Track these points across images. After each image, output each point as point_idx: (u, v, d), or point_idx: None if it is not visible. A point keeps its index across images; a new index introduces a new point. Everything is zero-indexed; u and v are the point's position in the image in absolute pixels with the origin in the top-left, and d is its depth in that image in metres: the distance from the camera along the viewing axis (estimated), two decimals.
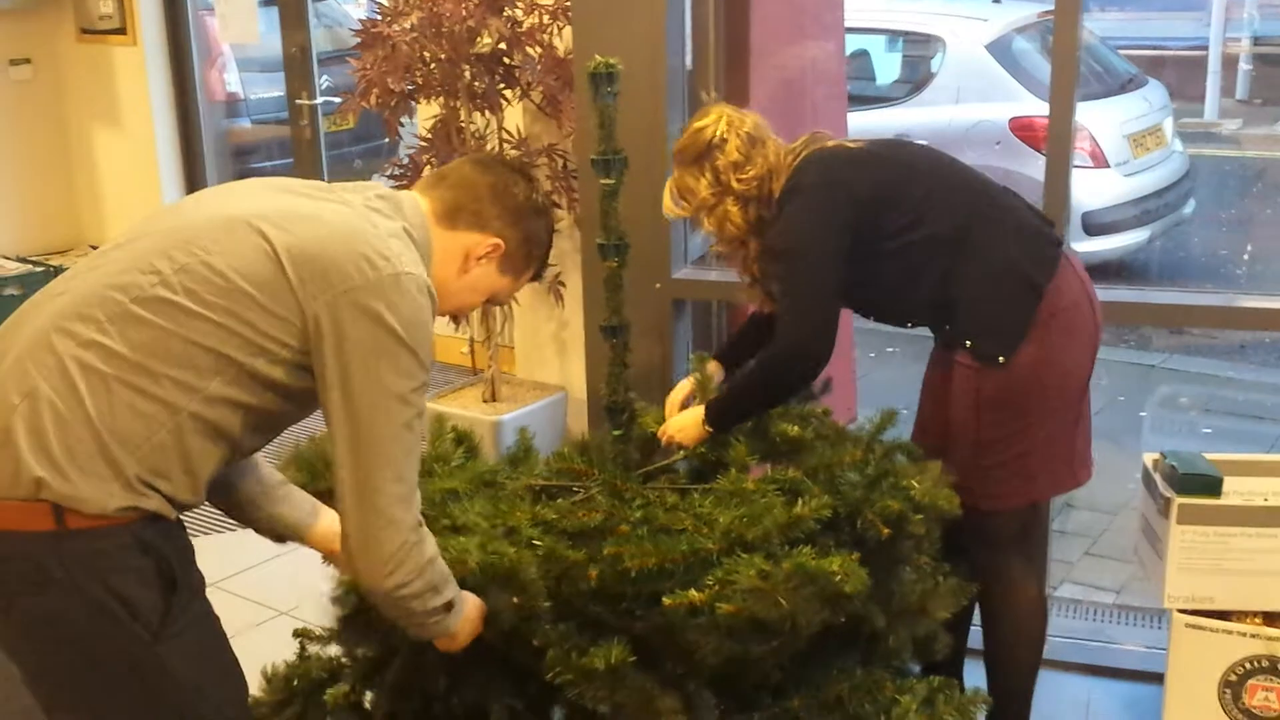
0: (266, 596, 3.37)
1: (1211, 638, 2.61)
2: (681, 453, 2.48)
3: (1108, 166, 6.07)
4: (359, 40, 4.08)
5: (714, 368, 2.67)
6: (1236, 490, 2.59)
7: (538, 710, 2.15)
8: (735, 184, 2.42)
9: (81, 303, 1.66)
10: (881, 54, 6.89)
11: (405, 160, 4.22)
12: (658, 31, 3.05)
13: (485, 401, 4.29)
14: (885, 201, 2.41)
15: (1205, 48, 9.74)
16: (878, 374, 5.18)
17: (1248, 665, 2.60)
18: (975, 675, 2.62)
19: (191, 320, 1.64)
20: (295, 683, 2.33)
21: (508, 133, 4.16)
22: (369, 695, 2.27)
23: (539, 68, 3.99)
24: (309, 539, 2.05)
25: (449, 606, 1.85)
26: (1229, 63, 9.87)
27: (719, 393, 2.53)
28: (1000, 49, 6.37)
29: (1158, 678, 2.76)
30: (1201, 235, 7.01)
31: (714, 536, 2.02)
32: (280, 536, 2.06)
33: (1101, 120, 6.09)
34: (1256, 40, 10.15)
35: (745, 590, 1.89)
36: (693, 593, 1.92)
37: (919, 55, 6.69)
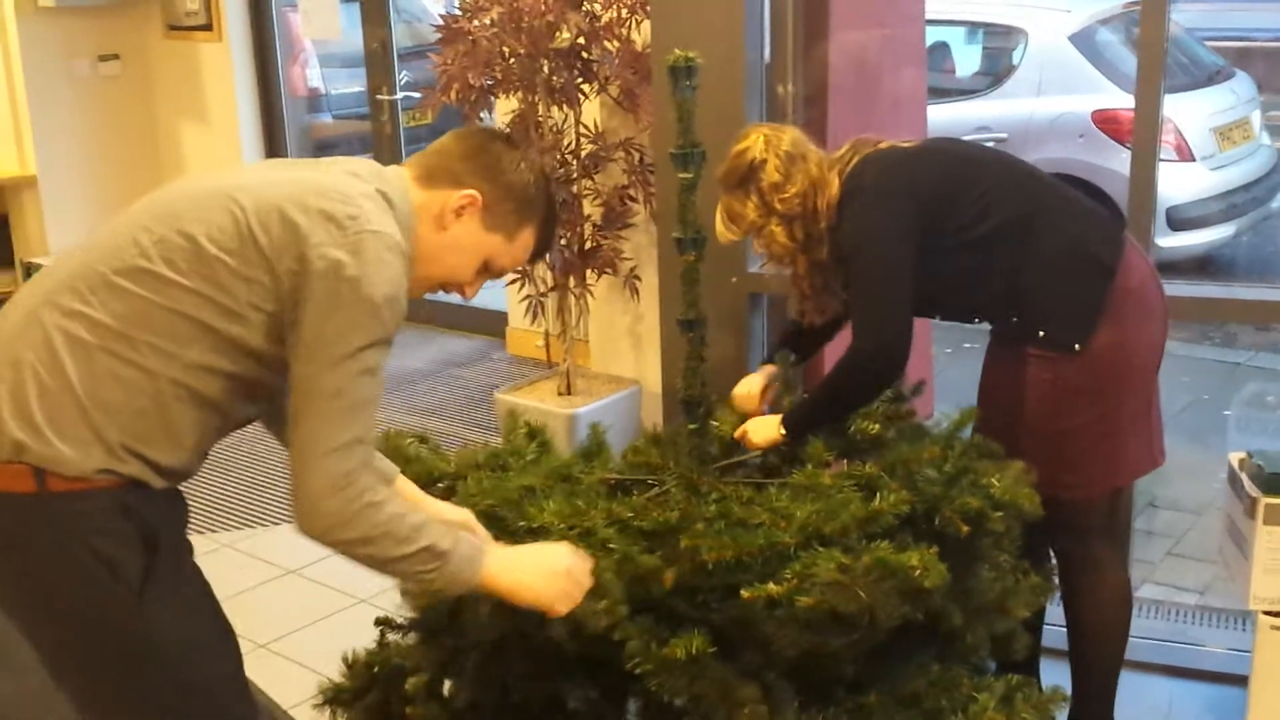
0: (347, 584, 3.42)
1: None
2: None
3: (1193, 160, 5.95)
4: (439, 35, 4.13)
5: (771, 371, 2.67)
6: None
7: (613, 700, 2.17)
8: (778, 205, 2.40)
9: (68, 278, 1.73)
10: (961, 46, 6.81)
11: None
12: (736, 25, 3.05)
13: (560, 395, 4.32)
14: (948, 196, 2.40)
15: None
16: (953, 370, 5.13)
17: None
18: (1052, 675, 2.60)
19: (169, 289, 1.69)
20: (376, 670, 2.37)
21: (585, 127, 4.19)
22: (448, 684, 2.29)
23: (617, 62, 4.00)
24: None
25: (436, 554, 1.76)
26: None
27: (796, 399, 2.52)
28: (1084, 40, 6.27)
29: (1241, 680, 2.71)
30: None
31: (791, 530, 2.02)
32: None
33: (1187, 113, 5.97)
34: None
35: (824, 583, 1.89)
36: (771, 585, 1.92)
37: (1000, 47, 6.61)
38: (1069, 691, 2.40)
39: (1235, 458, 2.71)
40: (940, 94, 6.09)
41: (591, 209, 4.26)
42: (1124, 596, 2.59)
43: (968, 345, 5.39)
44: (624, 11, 3.99)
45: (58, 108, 5.95)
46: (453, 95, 4.08)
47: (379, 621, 2.48)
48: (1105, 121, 5.85)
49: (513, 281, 4.34)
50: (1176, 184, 5.77)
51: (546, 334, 4.51)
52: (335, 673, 2.43)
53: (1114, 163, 5.22)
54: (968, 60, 6.83)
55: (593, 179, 4.22)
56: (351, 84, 6.80)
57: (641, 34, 3.99)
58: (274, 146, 6.20)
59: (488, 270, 1.94)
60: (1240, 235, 6.25)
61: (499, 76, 4.09)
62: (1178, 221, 5.84)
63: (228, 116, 6.06)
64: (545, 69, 4.02)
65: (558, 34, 3.94)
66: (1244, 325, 5.51)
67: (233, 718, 1.87)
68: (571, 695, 2.11)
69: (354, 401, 1.70)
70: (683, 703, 1.96)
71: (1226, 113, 6.24)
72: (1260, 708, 2.64)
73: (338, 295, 1.68)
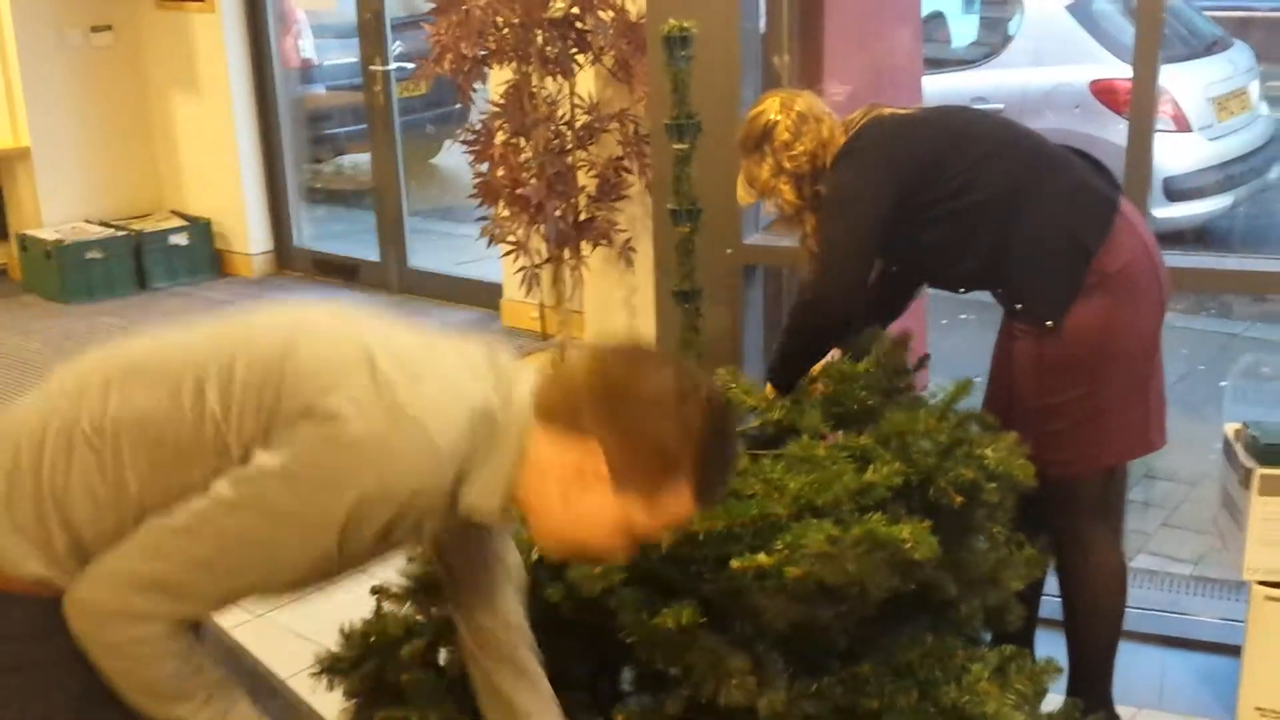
0: None
1: None
2: (756, 420, 2.48)
3: (1190, 131, 5.94)
4: (432, 5, 4.10)
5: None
6: None
7: (607, 671, 2.17)
8: (787, 163, 2.48)
9: None
10: (958, 15, 6.79)
11: (478, 126, 4.24)
12: None
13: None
14: (936, 165, 2.42)
15: None
16: (949, 341, 5.13)
17: None
18: (1046, 646, 2.60)
19: None
20: (373, 639, 2.37)
21: (579, 98, 4.17)
22: (443, 653, 2.30)
23: (611, 32, 3.98)
24: None
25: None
26: None
27: None
28: (1081, 10, 6.24)
29: (1234, 650, 2.72)
30: None
31: (784, 501, 2.01)
32: None
33: (1185, 83, 5.95)
34: None
35: (813, 555, 1.89)
36: (761, 556, 1.92)
37: (997, 17, 6.58)
38: (1063, 663, 2.41)
39: (1231, 428, 2.71)
40: (936, 64, 6.07)
41: (586, 180, 4.25)
42: (1115, 577, 2.59)
43: (963, 316, 5.39)
44: None
45: (51, 79, 5.93)
46: (446, 65, 4.06)
47: (374, 590, 2.48)
48: (1102, 92, 5.83)
49: (508, 253, 4.33)
50: (1173, 154, 5.75)
51: (542, 306, 4.51)
52: (333, 643, 2.43)
53: (1111, 133, 5.19)
54: (964, 30, 6.81)
55: (587, 150, 4.20)
56: (345, 55, 6.77)
57: (636, 4, 3.96)
58: (266, 117, 6.18)
59: (633, 537, 1.53)
60: (1238, 206, 6.24)
61: (492, 47, 4.07)
62: (1175, 192, 5.83)
63: (220, 87, 6.03)
64: (539, 39, 4.00)
65: (551, 3, 3.92)
66: (1241, 296, 5.51)
67: None
68: (566, 666, 2.11)
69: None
70: (674, 673, 1.97)
71: (1224, 83, 6.22)
72: (1253, 677, 2.65)
73: None
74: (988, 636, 2.37)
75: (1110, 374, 2.41)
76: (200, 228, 6.24)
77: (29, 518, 1.44)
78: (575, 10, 3.98)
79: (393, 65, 5.76)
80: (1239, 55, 6.54)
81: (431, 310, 5.75)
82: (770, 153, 2.50)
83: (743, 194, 2.61)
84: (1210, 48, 6.50)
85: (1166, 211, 5.52)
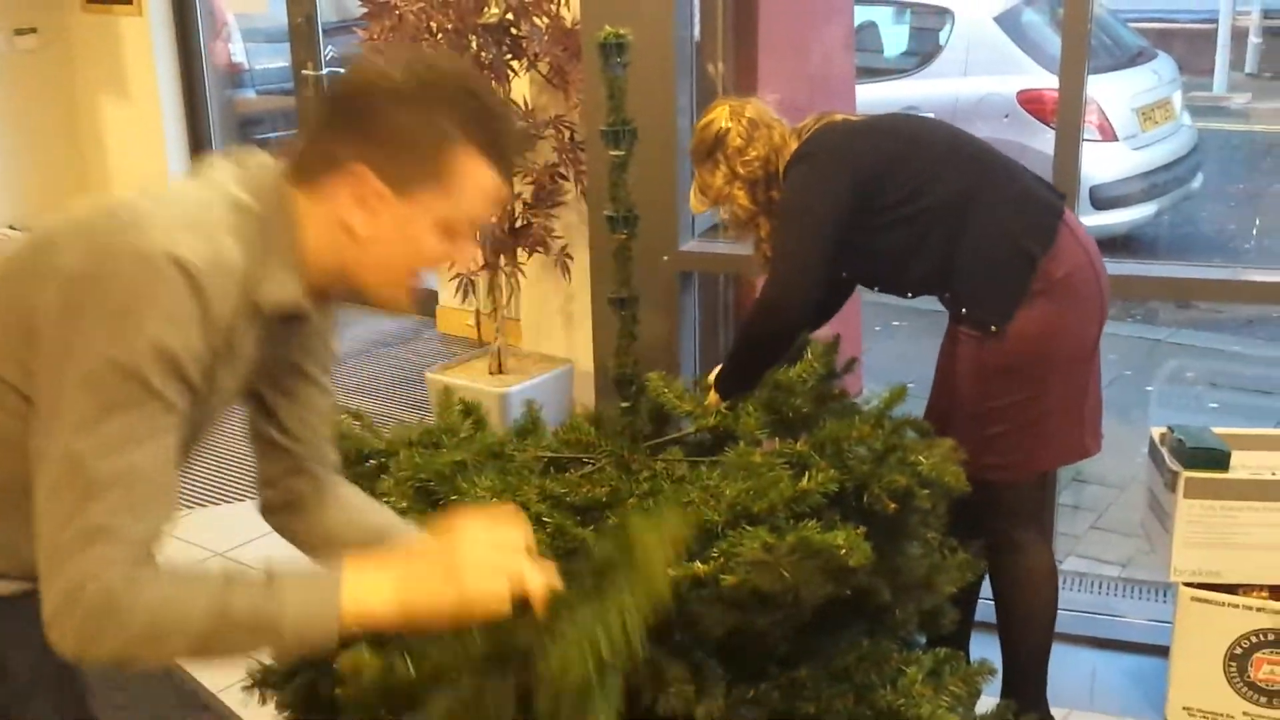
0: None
1: (1217, 611, 2.62)
2: (692, 426, 2.48)
3: (1116, 140, 6.05)
4: (365, 10, 4.07)
5: None
6: (1243, 464, 2.60)
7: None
8: (740, 169, 2.51)
9: None
10: (889, 26, 6.86)
11: None
12: (666, 2, 3.04)
13: (492, 374, 4.30)
14: (886, 173, 2.44)
15: (1215, 21, 9.68)
16: (884, 347, 5.18)
17: (1254, 639, 2.61)
18: (981, 648, 2.63)
19: None
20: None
21: (515, 104, 4.15)
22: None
23: (546, 38, 3.97)
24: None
25: (244, 624, 1.28)
26: (1238, 36, 9.81)
27: None
28: (1009, 21, 6.34)
29: (1163, 651, 2.77)
30: (1209, 209, 6.99)
31: (720, 509, 2.02)
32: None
33: (1110, 93, 6.06)
34: (1266, 14, 10.08)
35: (749, 563, 1.90)
36: (697, 564, 1.93)
37: (927, 27, 6.66)
38: (997, 665, 2.43)
39: (1156, 432, 2.76)
40: (869, 74, 6.13)
41: (522, 187, 4.23)
42: (1047, 580, 2.62)
43: (896, 323, 5.44)
44: None
45: None
46: None
47: None
48: (1030, 101, 5.92)
49: None
50: (1100, 163, 5.86)
51: (478, 312, 4.48)
52: (264, 656, 2.40)
53: (1039, 142, 5.28)
54: (896, 40, 6.87)
55: (523, 156, 4.19)
56: (276, 59, 6.69)
57: (571, 10, 3.95)
58: (196, 122, 6.09)
59: (453, 231, 1.42)
60: (1161, 214, 6.36)
61: None
62: (1101, 200, 5.93)
63: (149, 92, 5.94)
64: (474, 44, 3.98)
65: (485, 9, 3.90)
66: (1165, 302, 5.61)
67: None
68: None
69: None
70: None
71: (1149, 93, 6.34)
72: (1181, 678, 2.70)
73: None
74: (922, 640, 2.39)
75: (1051, 379, 2.43)
76: None
77: None
78: (510, 16, 3.97)
79: (325, 70, 5.70)
80: (1162, 66, 6.67)
81: (364, 317, 5.71)
82: (723, 160, 2.52)
83: (696, 203, 2.63)
84: (1135, 59, 6.63)
85: (1093, 219, 5.61)
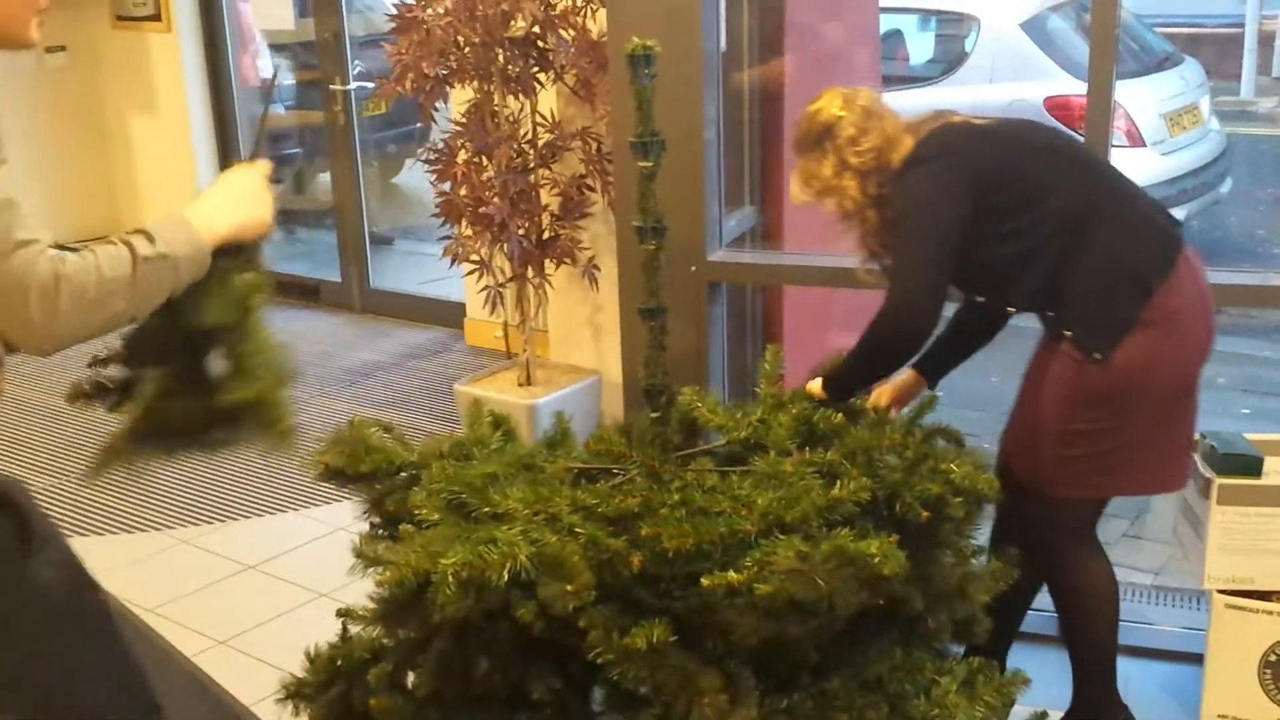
0: (309, 579, 3.40)
1: (1252, 618, 2.61)
2: (723, 438, 2.49)
3: (1144, 145, 6.02)
4: (393, 25, 4.10)
5: (910, 376, 2.64)
6: (1277, 470, 2.58)
7: (578, 690, 2.17)
8: (853, 159, 2.43)
9: None
10: (915, 33, 6.85)
11: (440, 145, 4.23)
12: (692, 13, 3.05)
13: (520, 385, 4.31)
14: (1005, 181, 2.39)
15: (1242, 25, 9.63)
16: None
17: None
18: (1017, 658, 2.63)
19: None
20: (339, 663, 2.36)
21: (542, 116, 4.17)
22: (411, 675, 2.29)
23: (572, 51, 3.99)
24: None
25: (153, 260, 1.72)
26: (1265, 40, 9.76)
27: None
28: (1035, 27, 6.32)
29: (1196, 659, 2.75)
30: (1238, 214, 6.95)
31: (752, 518, 2.02)
32: None
33: (1138, 99, 6.03)
34: None
35: (783, 571, 1.90)
36: (731, 573, 1.93)
37: (953, 34, 6.65)
38: (1030, 674, 2.42)
39: None
40: (895, 81, 6.12)
41: (549, 199, 4.25)
42: (1110, 585, 2.56)
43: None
44: (579, 0, 3.98)
45: (3, 101, 5.85)
46: (407, 85, 4.05)
47: (341, 613, 2.47)
48: (1057, 108, 5.90)
49: (470, 272, 4.32)
50: (1127, 170, 5.81)
51: (505, 325, 4.50)
52: (297, 668, 2.42)
53: None
54: (921, 48, 6.87)
55: (550, 168, 4.21)
56: (303, 74, 6.74)
57: (597, 22, 3.98)
58: (225, 137, 6.14)
59: None
60: (1190, 219, 6.32)
61: (454, 66, 4.07)
62: None
63: (178, 108, 6.00)
64: (500, 58, 4.00)
65: (512, 22, 3.93)
66: None
67: None
68: (535, 685, 2.10)
69: None
70: (645, 691, 1.96)
71: (1176, 98, 6.31)
72: (1215, 685, 2.68)
73: None
74: (956, 649, 2.39)
75: (1140, 412, 2.38)
76: None
77: None
78: (536, 29, 3.99)
79: (353, 85, 5.74)
80: (1190, 71, 6.63)
81: (393, 331, 5.74)
82: (833, 149, 2.44)
83: (797, 193, 2.55)
84: (1162, 64, 6.60)
85: None
